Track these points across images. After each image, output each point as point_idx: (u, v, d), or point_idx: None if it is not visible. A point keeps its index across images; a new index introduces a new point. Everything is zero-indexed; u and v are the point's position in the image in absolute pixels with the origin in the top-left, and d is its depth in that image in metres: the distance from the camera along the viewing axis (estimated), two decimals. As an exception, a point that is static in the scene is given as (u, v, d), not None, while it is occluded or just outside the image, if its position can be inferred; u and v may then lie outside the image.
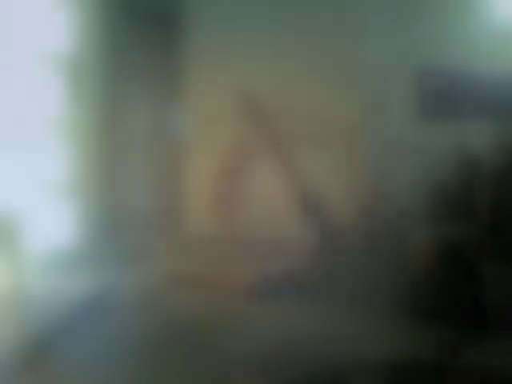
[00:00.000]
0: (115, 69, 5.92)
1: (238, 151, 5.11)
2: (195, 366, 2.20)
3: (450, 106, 7.07)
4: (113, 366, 2.17)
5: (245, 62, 5.24)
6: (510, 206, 5.03)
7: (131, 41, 6.78)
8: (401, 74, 7.06)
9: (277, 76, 5.13)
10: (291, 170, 4.09)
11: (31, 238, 3.24)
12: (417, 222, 4.72)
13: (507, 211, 5.04)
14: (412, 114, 7.18)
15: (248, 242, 4.74)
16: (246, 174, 5.14)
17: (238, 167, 5.15)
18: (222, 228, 5.06)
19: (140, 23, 6.95)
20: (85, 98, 4.32)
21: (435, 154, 6.83)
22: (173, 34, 7.22)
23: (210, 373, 2.12)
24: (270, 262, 4.05)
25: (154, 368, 2.15)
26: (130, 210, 6.13)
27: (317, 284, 3.34)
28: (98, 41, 4.49)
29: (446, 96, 7.07)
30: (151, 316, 2.85)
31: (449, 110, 7.08)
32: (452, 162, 6.90)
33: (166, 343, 2.44)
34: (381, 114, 6.45)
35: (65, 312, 2.64)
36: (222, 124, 5.27)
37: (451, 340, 2.55)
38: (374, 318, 2.90)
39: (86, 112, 4.34)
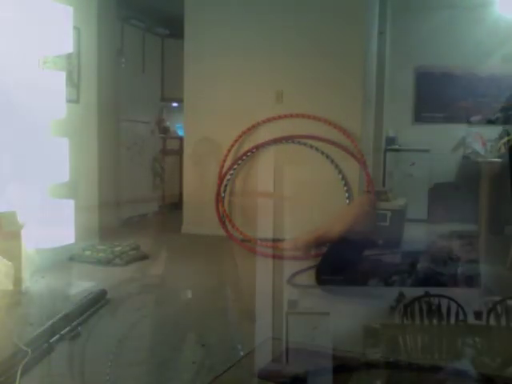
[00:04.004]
0: (115, 68, 5.93)
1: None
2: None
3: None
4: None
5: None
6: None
7: (131, 40, 6.78)
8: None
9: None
10: None
11: (31, 238, 3.24)
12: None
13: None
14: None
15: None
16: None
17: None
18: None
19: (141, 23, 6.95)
20: (85, 97, 4.32)
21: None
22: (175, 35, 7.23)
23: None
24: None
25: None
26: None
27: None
28: (98, 40, 4.48)
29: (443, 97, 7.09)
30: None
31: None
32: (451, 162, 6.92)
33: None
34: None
35: (65, 311, 2.63)
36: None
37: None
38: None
39: (86, 112, 4.34)
